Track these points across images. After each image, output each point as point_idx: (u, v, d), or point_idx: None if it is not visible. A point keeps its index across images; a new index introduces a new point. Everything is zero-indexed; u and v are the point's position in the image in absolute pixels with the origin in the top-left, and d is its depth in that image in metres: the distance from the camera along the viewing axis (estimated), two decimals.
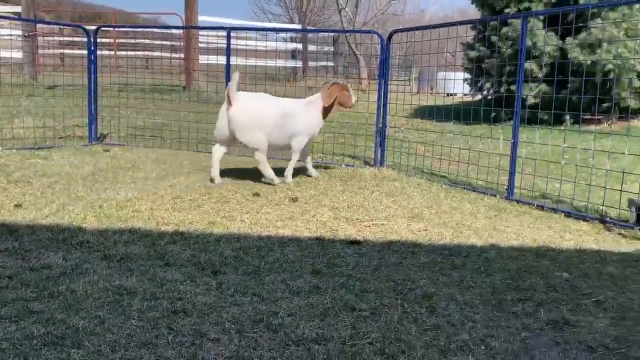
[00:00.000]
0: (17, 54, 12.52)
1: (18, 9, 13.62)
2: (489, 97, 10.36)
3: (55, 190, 4.31)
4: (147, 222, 3.58)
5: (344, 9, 26.38)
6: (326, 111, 5.19)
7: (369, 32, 8.87)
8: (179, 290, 2.54)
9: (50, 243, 3.11)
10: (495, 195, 4.73)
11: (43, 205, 3.87)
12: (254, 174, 5.25)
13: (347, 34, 22.94)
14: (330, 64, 17.73)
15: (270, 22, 31.19)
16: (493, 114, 7.61)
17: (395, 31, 6.34)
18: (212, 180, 4.86)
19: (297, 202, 4.29)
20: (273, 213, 3.96)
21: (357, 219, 3.90)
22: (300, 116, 5.03)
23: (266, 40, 8.66)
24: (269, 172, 4.87)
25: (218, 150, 4.92)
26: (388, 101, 6.02)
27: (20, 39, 11.77)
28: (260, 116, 4.75)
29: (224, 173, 5.22)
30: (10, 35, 11.73)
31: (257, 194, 4.46)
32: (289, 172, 5.10)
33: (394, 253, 3.23)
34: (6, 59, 13.01)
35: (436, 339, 2.19)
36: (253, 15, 35.02)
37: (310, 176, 5.28)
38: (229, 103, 4.66)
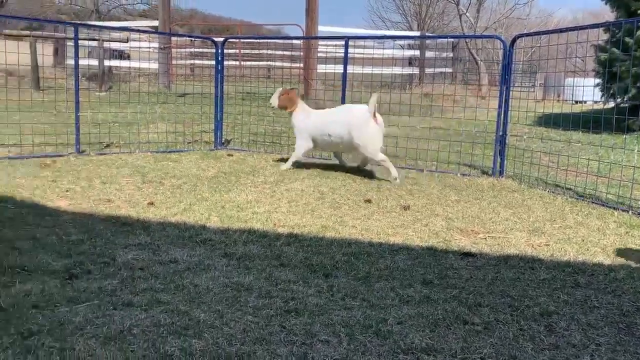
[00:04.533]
0: (154, 65, 13.70)
1: (156, 22, 14.86)
2: (622, 105, 9.56)
3: (183, 191, 4.65)
4: (265, 224, 3.75)
5: (465, 14, 25.70)
6: None
7: (490, 37, 8.58)
8: (292, 290, 2.63)
9: (177, 239, 3.36)
10: (627, 211, 4.36)
11: (172, 204, 4.19)
12: (366, 181, 5.29)
13: (468, 40, 22.32)
14: (449, 70, 17.36)
15: (388, 29, 31.22)
16: (626, 122, 7.01)
17: (519, 36, 6.08)
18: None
19: (409, 211, 4.25)
20: (384, 220, 3.97)
21: (472, 231, 3.78)
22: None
23: (383, 48, 8.69)
24: (393, 168, 5.30)
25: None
26: (510, 108, 5.78)
27: (157, 51, 12.83)
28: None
29: (337, 178, 5.32)
30: (149, 47, 12.84)
31: (368, 201, 4.49)
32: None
33: (511, 268, 3.09)
34: (144, 69, 14.29)
35: (554, 359, 2.07)
36: (372, 23, 35.21)
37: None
38: (375, 117, 5.29)
